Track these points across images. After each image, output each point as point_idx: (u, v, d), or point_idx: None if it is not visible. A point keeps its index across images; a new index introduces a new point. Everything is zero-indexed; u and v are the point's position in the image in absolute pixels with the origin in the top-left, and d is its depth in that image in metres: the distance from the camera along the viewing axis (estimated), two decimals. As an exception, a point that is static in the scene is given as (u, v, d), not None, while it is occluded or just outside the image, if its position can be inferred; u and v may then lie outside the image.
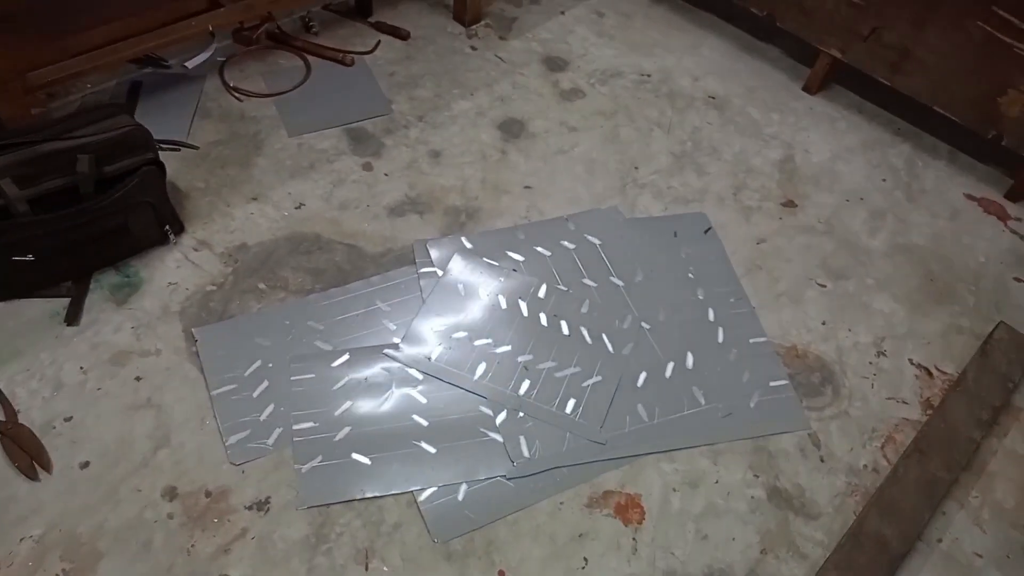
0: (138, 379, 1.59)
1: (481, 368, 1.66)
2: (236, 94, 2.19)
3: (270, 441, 1.52)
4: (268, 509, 1.43)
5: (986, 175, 2.27)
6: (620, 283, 1.86)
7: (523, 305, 1.78)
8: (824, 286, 1.93)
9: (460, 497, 1.48)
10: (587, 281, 1.86)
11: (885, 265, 1.99)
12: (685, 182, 2.13)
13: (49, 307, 1.67)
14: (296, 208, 1.94)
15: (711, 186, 2.13)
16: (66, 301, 1.68)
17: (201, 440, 1.51)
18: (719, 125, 2.31)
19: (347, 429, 1.55)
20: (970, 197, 2.20)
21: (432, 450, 1.53)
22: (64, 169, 1.58)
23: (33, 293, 1.68)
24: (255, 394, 1.58)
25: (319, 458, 1.50)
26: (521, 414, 1.60)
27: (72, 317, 1.66)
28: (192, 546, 1.37)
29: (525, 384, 1.65)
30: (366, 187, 2.01)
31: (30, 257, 1.59)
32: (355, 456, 1.51)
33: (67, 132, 1.60)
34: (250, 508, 1.43)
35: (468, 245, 1.90)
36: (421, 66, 2.36)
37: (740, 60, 2.54)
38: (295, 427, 1.54)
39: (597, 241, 1.94)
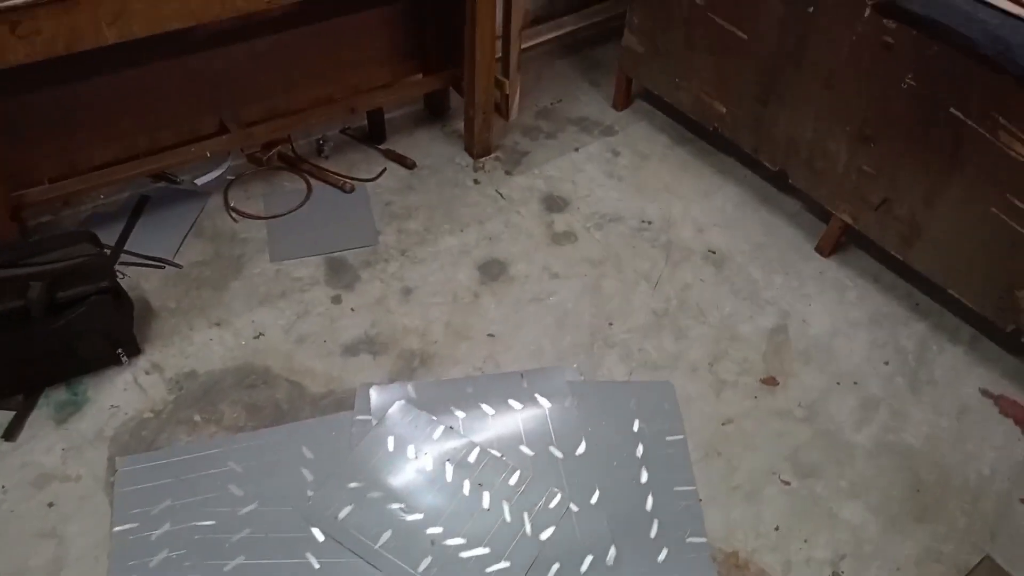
0: (51, 505, 1.61)
1: (386, 536, 1.59)
2: (233, 214, 2.27)
3: (151, 592, 1.50)
4: (129, 667, 1.40)
5: (1012, 369, 2.01)
6: (559, 454, 1.76)
7: (449, 469, 1.71)
8: (788, 483, 1.75)
9: None
10: (524, 448, 1.76)
11: (866, 466, 1.79)
12: (659, 345, 2.01)
13: (-5, 419, 1.75)
14: (255, 337, 1.96)
15: (687, 352, 2.00)
16: (12, 415, 1.75)
17: (88, 580, 1.51)
18: (713, 283, 2.18)
19: (231, 588, 1.51)
20: (986, 394, 1.96)
21: (308, 625, 1.47)
22: (18, 293, 1.66)
23: (-21, 405, 1.76)
24: (154, 536, 1.57)
25: (194, 618, 1.47)
26: (413, 596, 1.51)
27: (11, 433, 1.72)
28: None
29: (426, 561, 1.56)
30: (329, 321, 2.01)
31: (-26, 375, 1.67)
32: (230, 621, 1.47)
33: (28, 257, 1.70)
34: (111, 664, 1.40)
35: (412, 394, 1.85)
36: (419, 197, 2.38)
37: (754, 212, 2.41)
38: (180, 580, 1.51)
39: (547, 404, 1.85)
